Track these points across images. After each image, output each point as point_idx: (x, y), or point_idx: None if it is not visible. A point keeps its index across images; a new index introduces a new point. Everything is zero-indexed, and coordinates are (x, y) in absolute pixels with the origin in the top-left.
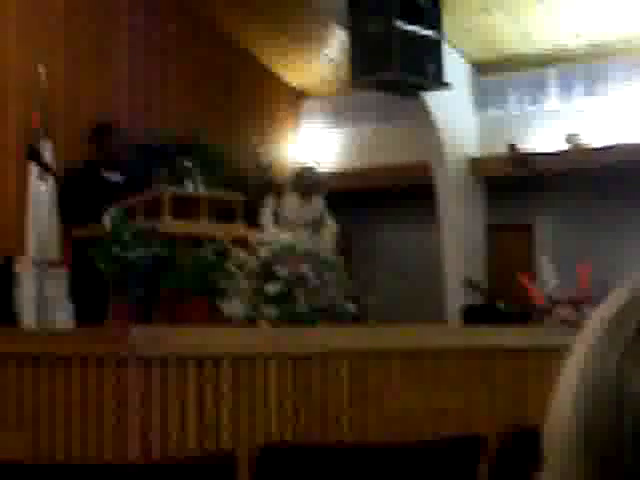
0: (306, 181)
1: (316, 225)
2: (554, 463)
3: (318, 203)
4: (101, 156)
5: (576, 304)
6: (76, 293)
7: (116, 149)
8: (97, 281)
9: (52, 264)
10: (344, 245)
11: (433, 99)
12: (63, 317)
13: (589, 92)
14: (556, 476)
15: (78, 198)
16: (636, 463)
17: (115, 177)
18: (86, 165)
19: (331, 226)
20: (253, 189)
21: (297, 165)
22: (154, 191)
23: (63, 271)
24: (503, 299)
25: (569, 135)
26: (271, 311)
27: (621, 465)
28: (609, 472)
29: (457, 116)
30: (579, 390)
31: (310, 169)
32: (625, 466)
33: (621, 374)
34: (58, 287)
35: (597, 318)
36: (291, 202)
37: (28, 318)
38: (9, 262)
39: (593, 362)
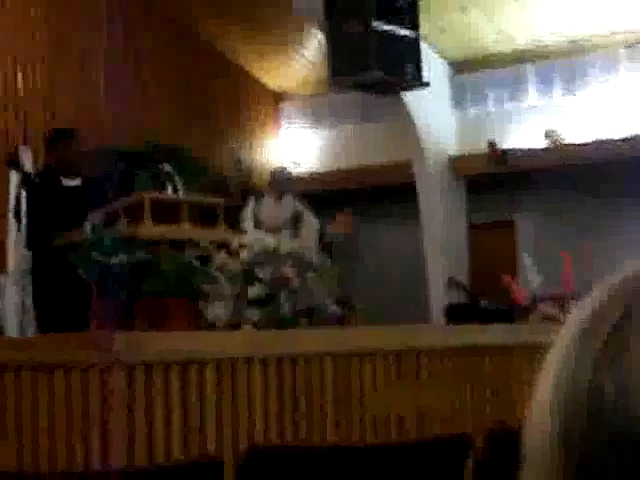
0: (277, 180)
1: (293, 224)
2: (534, 466)
3: (290, 201)
4: (60, 161)
5: (559, 301)
6: (55, 300)
7: (75, 153)
8: (76, 287)
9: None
10: (325, 245)
11: (412, 98)
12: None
13: (567, 88)
14: (536, 478)
15: (38, 206)
16: (613, 467)
17: (72, 182)
18: (45, 172)
19: (311, 223)
20: (233, 192)
21: (275, 167)
22: (135, 195)
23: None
24: (486, 297)
25: (548, 131)
26: (254, 314)
27: (598, 469)
28: (587, 475)
29: (436, 114)
30: (556, 392)
31: (281, 169)
32: (602, 470)
33: (596, 377)
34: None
35: (573, 319)
36: (267, 203)
37: (11, 327)
38: None
39: (569, 364)
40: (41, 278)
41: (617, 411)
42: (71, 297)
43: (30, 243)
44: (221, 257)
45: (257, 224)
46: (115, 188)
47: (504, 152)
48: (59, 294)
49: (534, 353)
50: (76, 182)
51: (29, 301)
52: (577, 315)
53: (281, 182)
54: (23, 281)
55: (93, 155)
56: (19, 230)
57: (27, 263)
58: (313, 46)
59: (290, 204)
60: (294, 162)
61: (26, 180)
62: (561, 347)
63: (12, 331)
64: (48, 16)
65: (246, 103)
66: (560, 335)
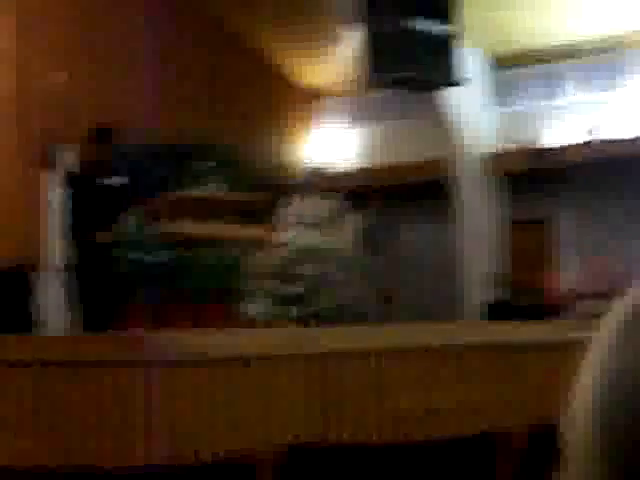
0: (316, 178)
1: (332, 222)
2: (575, 461)
3: (329, 199)
4: (101, 160)
5: (599, 297)
6: (93, 297)
7: (117, 151)
8: (115, 284)
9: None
10: (366, 243)
11: (451, 95)
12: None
13: (608, 85)
14: (578, 475)
15: (82, 205)
16: None
17: (117, 181)
18: (86, 170)
19: (350, 224)
20: (271, 190)
21: (311, 165)
22: (175, 194)
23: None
24: (525, 294)
25: (588, 128)
26: (292, 311)
27: None
28: (631, 469)
29: (475, 111)
30: (599, 387)
31: (319, 167)
32: None
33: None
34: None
35: (614, 314)
36: (306, 201)
37: (51, 323)
38: (22, 269)
39: (611, 359)
40: (81, 275)
41: None
42: (110, 294)
43: (70, 241)
44: (261, 255)
45: (297, 222)
46: (156, 186)
47: (543, 149)
48: (98, 291)
49: (575, 350)
50: (117, 181)
51: (68, 298)
52: (618, 311)
53: (319, 180)
54: (62, 278)
55: (134, 154)
56: (60, 228)
57: (66, 260)
58: (351, 44)
59: (329, 202)
60: (332, 160)
61: (67, 179)
62: (603, 342)
63: (52, 327)
64: (78, 15)
65: (283, 101)
66: (601, 330)
